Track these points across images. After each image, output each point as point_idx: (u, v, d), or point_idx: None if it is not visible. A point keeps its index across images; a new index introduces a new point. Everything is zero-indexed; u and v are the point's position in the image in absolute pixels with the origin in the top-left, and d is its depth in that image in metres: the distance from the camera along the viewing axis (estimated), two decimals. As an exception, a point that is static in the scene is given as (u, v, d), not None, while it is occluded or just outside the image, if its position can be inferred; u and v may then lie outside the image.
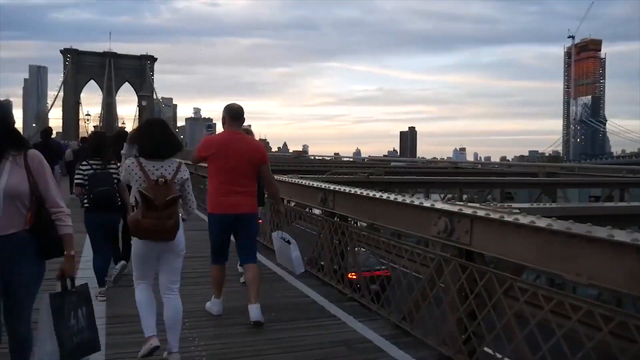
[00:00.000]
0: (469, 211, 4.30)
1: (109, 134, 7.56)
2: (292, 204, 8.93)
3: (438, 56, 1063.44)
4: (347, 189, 6.52)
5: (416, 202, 4.98)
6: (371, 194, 5.92)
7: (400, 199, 5.31)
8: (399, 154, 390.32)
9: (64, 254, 3.30)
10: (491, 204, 4.48)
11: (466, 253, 4.45)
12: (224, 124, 5.36)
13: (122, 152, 4.91)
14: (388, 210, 5.56)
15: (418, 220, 5.00)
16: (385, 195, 5.63)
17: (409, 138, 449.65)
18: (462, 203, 4.88)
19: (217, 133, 5.64)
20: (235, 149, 5.19)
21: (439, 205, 4.72)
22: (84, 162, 6.24)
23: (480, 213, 4.16)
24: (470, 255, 4.43)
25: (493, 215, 4.04)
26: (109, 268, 6.44)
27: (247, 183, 5.26)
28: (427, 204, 4.85)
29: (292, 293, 6.67)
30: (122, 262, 6.70)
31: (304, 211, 8.79)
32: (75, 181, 6.23)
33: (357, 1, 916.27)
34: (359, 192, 6.17)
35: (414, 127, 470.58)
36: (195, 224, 5.78)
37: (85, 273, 6.48)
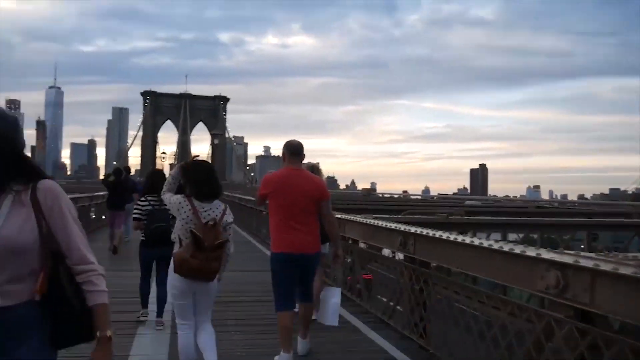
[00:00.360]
0: (588, 263, 3.56)
1: None
2: (363, 245, 8.37)
3: (509, 92, 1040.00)
4: (430, 232, 5.86)
5: (517, 251, 4.26)
6: (459, 238, 5.28)
7: (496, 246, 4.59)
8: (469, 191, 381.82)
9: (97, 336, 2.10)
10: (609, 254, 3.76)
11: (582, 313, 3.68)
12: (283, 160, 5.31)
13: (166, 184, 4.78)
14: (481, 257, 4.85)
15: (519, 271, 4.27)
16: (477, 241, 4.94)
17: (479, 175, 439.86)
18: (573, 252, 4.12)
19: (276, 171, 5.58)
20: (294, 185, 5.12)
21: (547, 254, 3.98)
22: (142, 198, 6.62)
23: (605, 267, 3.41)
24: (587, 316, 3.66)
25: (624, 271, 3.28)
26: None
27: (307, 220, 5.10)
28: (531, 252, 4.12)
29: (368, 347, 6.10)
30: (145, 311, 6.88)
31: (378, 254, 8.19)
32: (134, 216, 6.62)
33: (425, 39, 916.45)
34: (444, 237, 5.51)
35: (485, 164, 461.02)
36: (266, 264, 5.34)
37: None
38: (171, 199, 4.49)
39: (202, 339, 4.49)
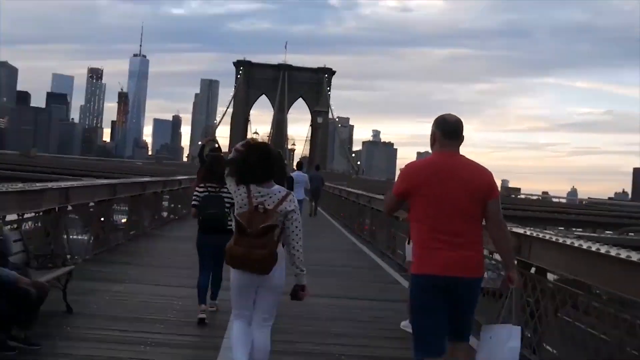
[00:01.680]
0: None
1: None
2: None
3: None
4: (550, 236, 6.30)
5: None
6: (584, 245, 5.62)
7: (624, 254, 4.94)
8: (630, 196, 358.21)
9: None
10: None
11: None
12: (432, 143, 4.39)
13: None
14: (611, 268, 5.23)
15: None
16: (604, 249, 5.29)
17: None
18: None
19: (420, 159, 4.70)
20: (450, 177, 4.17)
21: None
22: (201, 184, 7.27)
23: None
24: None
25: None
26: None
27: (469, 228, 4.16)
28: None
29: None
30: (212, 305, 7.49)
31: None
32: (192, 202, 7.39)
33: (584, 2, 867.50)
34: (568, 242, 5.93)
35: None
36: (390, 293, 5.71)
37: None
38: (230, 184, 4.83)
39: (253, 353, 4.71)
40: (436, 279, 4.08)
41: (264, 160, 4.67)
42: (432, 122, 4.41)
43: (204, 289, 7.26)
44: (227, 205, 6.87)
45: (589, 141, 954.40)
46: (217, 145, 15.51)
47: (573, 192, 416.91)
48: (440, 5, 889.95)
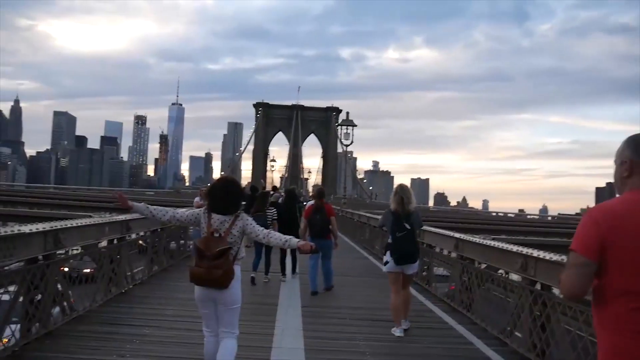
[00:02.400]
0: None
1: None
2: (483, 266, 8.58)
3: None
4: (551, 256, 6.10)
5: (506, 247, 4.78)
6: (486, 242, 6.08)
7: (497, 245, 5.26)
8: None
9: None
10: None
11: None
12: (626, 176, 2.48)
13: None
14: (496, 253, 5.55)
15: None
16: (493, 243, 5.39)
17: (606, 194, 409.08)
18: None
19: (610, 199, 2.52)
20: None
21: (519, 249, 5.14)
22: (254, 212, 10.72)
23: None
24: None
25: None
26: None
27: None
28: (513, 248, 5.34)
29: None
30: (282, 278, 11.26)
31: (496, 274, 8.39)
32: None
33: (556, 49, 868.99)
34: (478, 241, 6.27)
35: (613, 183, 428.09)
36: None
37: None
38: (183, 213, 4.98)
39: (219, 354, 4.70)
40: None
41: (224, 194, 4.77)
42: (623, 144, 2.53)
43: (256, 265, 11.00)
44: (268, 221, 10.69)
45: (559, 166, 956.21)
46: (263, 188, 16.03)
47: (544, 209, 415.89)
48: (434, 56, 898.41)
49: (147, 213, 4.87)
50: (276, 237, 4.93)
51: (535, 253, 6.39)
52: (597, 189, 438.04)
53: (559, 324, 6.01)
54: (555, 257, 5.99)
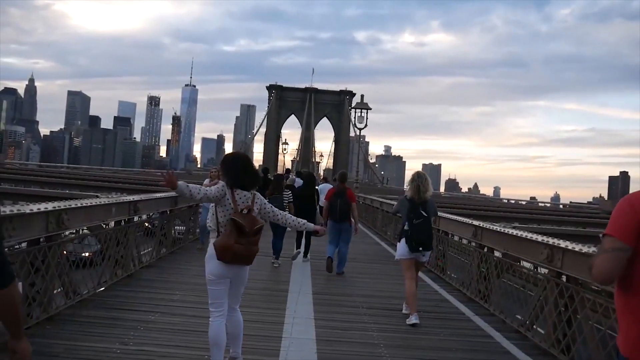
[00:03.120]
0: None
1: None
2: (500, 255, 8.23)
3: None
4: (580, 247, 5.74)
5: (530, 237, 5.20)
6: (508, 230, 6.53)
7: (520, 234, 5.79)
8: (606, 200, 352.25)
9: None
10: None
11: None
12: None
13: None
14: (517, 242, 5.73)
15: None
16: (515, 232, 6.06)
17: (619, 184, 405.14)
18: None
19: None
20: None
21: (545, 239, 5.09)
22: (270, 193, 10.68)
23: None
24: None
25: None
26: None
27: None
28: (538, 238, 5.15)
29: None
30: (298, 250, 11.56)
31: (516, 264, 8.04)
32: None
33: (574, 35, 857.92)
34: (499, 229, 6.75)
35: (627, 172, 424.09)
36: None
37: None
38: (212, 189, 4.72)
39: (232, 327, 4.76)
40: None
41: (247, 168, 4.75)
42: None
43: (277, 248, 10.98)
44: (285, 204, 10.64)
45: (573, 154, 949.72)
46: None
47: (556, 197, 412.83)
48: (451, 41, 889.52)
49: (187, 192, 4.62)
50: (293, 219, 5.11)
51: (563, 244, 6.02)
52: (610, 177, 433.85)
53: (587, 320, 5.65)
54: (584, 248, 5.64)
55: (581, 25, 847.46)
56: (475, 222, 9.09)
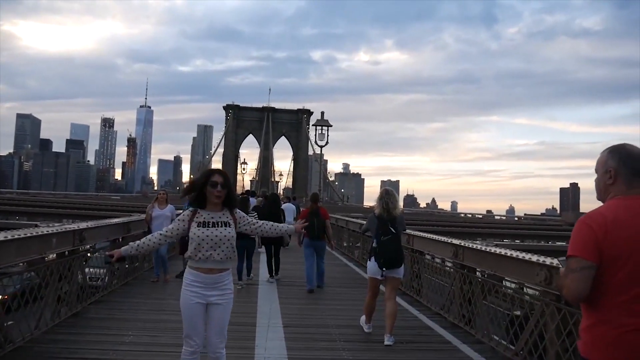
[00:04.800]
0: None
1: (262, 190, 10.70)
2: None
3: (610, 106, 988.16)
4: (475, 245, 7.41)
5: (523, 257, 5.97)
6: (493, 249, 7.07)
7: (510, 253, 6.43)
8: (558, 211, 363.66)
9: None
10: None
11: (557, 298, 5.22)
12: (611, 183, 2.70)
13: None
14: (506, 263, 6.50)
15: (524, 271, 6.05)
16: (501, 251, 6.77)
17: (570, 195, 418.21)
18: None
19: (598, 207, 2.72)
20: None
21: (542, 259, 5.65)
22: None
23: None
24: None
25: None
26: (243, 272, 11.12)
27: None
28: (533, 258, 5.81)
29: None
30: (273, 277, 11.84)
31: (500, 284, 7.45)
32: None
33: (523, 52, 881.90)
34: (484, 248, 7.32)
35: (577, 184, 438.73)
36: None
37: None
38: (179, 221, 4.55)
39: None
40: None
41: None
42: (606, 154, 2.73)
43: (239, 271, 10.86)
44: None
45: (525, 167, 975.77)
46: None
47: (511, 209, 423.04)
48: (405, 59, 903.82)
49: (135, 252, 4.40)
50: (270, 224, 4.83)
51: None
52: (561, 189, 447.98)
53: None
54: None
55: (529, 43, 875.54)
56: (455, 241, 8.46)
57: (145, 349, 6.20)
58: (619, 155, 2.69)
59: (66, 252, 7.47)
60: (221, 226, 4.33)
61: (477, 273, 7.79)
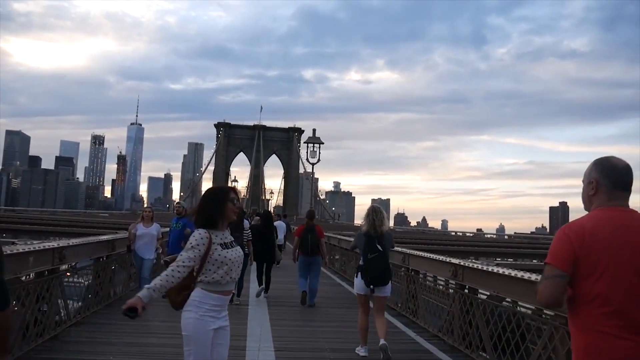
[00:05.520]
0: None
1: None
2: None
3: (599, 126, 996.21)
4: (476, 265, 7.18)
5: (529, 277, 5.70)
6: (495, 269, 6.69)
7: (514, 273, 6.03)
8: (548, 230, 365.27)
9: None
10: None
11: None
12: (593, 194, 2.78)
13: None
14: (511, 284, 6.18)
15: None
16: (507, 271, 6.39)
17: (559, 213, 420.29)
18: None
19: (580, 217, 2.83)
20: (633, 244, 2.60)
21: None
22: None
23: None
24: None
25: None
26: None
27: None
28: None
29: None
30: (262, 287, 12.00)
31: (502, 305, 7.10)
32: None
33: (511, 73, 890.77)
34: (485, 268, 7.00)
35: (566, 202, 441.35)
36: None
37: None
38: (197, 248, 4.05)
39: None
40: None
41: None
42: (591, 166, 2.83)
43: (238, 287, 10.78)
44: (244, 241, 10.38)
45: (515, 186, 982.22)
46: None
47: (501, 228, 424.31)
48: (395, 78, 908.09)
49: (157, 294, 3.83)
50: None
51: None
52: (551, 208, 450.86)
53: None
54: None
55: (518, 64, 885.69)
56: (454, 261, 8.11)
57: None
58: (601, 167, 2.78)
59: (45, 272, 7.05)
60: (233, 247, 4.13)
61: (478, 294, 7.46)
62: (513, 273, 6.26)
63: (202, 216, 4.03)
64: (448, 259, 8.41)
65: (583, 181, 2.85)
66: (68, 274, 8.27)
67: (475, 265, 7.50)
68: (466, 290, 7.65)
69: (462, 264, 7.81)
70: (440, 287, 9.54)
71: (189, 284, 3.93)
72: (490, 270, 6.99)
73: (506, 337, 6.57)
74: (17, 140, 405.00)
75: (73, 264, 8.25)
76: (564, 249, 2.61)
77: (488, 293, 7.26)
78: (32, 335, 6.61)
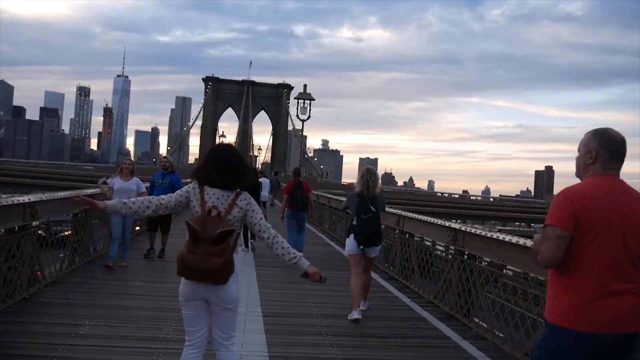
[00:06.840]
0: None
1: None
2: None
3: (588, 92, 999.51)
4: (478, 231, 6.77)
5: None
6: (500, 237, 6.21)
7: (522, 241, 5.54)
8: (532, 193, 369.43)
9: None
10: None
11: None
12: (590, 163, 2.90)
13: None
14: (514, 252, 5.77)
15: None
16: (514, 239, 5.83)
17: (545, 178, 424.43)
18: None
19: (577, 183, 2.96)
20: (622, 210, 2.77)
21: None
22: None
23: None
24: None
25: None
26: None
27: (638, 274, 2.77)
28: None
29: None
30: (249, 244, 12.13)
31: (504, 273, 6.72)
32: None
33: (505, 35, 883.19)
34: (488, 235, 6.56)
35: (552, 167, 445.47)
36: None
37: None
38: (173, 195, 3.76)
39: None
40: (598, 338, 2.69)
41: (225, 164, 3.67)
42: (589, 135, 2.96)
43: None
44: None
45: (503, 149, 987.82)
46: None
47: (487, 190, 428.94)
48: (388, 37, 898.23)
49: (124, 211, 3.64)
50: (284, 245, 3.67)
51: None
52: (537, 171, 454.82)
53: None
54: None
55: (511, 26, 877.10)
56: (455, 225, 7.67)
57: (101, 343, 5.31)
58: (600, 137, 2.90)
59: (15, 228, 6.51)
60: None
61: (477, 260, 7.06)
62: (521, 241, 5.80)
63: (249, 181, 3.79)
64: (447, 223, 7.97)
65: (579, 149, 2.96)
66: (40, 232, 7.71)
67: (476, 231, 7.06)
68: (465, 257, 7.27)
69: (462, 228, 7.38)
70: (438, 252, 9.14)
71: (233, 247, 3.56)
72: (492, 236, 6.56)
73: (510, 310, 6.22)
74: (1, 90, 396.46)
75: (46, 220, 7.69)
76: (567, 211, 2.75)
77: (489, 260, 6.89)
78: (1, 296, 6.12)
